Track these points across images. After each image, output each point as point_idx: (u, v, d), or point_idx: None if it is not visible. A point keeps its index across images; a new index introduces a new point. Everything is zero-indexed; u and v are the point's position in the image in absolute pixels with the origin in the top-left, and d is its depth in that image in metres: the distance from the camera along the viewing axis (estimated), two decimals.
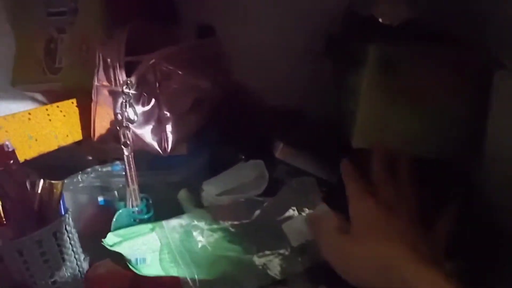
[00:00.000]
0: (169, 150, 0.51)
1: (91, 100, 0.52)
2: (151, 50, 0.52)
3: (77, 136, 0.53)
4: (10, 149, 0.43)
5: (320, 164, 0.60)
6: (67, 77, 0.54)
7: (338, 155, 0.57)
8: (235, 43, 0.65)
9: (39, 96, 0.60)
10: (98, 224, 0.59)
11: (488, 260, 0.43)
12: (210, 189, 0.52)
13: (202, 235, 0.48)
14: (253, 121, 0.68)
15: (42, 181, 0.50)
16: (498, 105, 0.43)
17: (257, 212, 0.49)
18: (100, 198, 0.59)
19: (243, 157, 0.65)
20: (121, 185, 0.58)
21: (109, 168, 0.58)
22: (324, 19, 0.64)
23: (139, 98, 0.49)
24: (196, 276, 0.47)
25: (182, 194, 0.58)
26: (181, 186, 0.59)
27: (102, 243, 0.50)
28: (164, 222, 0.50)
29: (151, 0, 0.61)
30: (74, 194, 0.56)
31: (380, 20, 0.45)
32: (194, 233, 0.48)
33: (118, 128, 0.48)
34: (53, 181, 0.50)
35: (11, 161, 0.44)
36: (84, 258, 0.54)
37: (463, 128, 0.49)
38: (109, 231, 0.55)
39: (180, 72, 0.52)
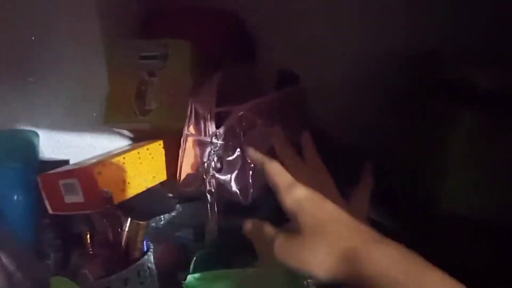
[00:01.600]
0: (250, 198, 0.52)
1: (176, 141, 0.54)
2: (235, 96, 0.53)
3: (162, 177, 0.56)
4: (108, 196, 0.46)
5: (384, 211, 0.58)
6: (155, 119, 0.57)
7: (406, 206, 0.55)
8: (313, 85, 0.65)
9: (127, 133, 0.63)
10: (172, 259, 0.61)
11: None
12: None
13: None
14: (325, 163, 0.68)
15: (129, 221, 0.53)
16: None
17: None
18: (177, 234, 0.61)
19: None
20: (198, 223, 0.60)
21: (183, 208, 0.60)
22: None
23: (225, 147, 0.51)
24: None
25: None
26: None
27: (179, 282, 0.52)
28: (242, 270, 0.51)
29: (235, 46, 0.62)
30: (156, 232, 0.58)
31: (478, 85, 0.43)
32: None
33: (204, 176, 0.50)
34: (140, 222, 0.53)
35: (108, 206, 0.47)
36: None
37: None
38: (182, 266, 0.57)
39: (263, 121, 0.52)
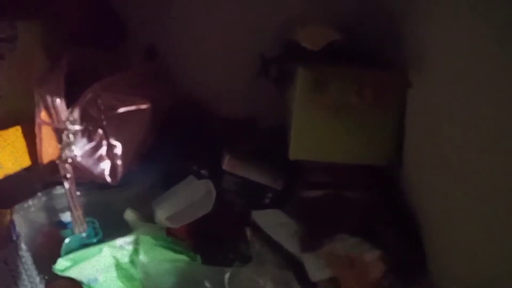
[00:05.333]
0: (119, 178, 0.53)
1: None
2: (97, 77, 0.53)
3: (24, 163, 0.54)
4: None
5: (266, 172, 0.63)
6: (8, 105, 0.55)
7: (283, 164, 0.61)
8: (187, 60, 0.67)
9: None
10: (54, 245, 0.60)
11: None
12: (162, 213, 0.55)
13: (149, 250, 0.51)
14: (205, 133, 0.70)
15: None
16: (409, 117, 0.47)
17: None
18: (56, 219, 0.60)
19: (195, 167, 0.68)
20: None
21: (62, 191, 0.59)
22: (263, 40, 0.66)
23: (85, 132, 0.51)
24: None
25: (129, 213, 0.59)
26: (136, 201, 0.61)
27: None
28: (112, 242, 0.53)
29: (96, 23, 0.61)
30: (28, 218, 0.56)
31: (303, 45, 0.48)
32: (142, 249, 0.51)
33: (58, 162, 0.49)
34: (1, 210, 0.51)
35: None
36: (39, 280, 0.56)
37: (386, 137, 0.53)
38: None
39: (122, 100, 0.53)
